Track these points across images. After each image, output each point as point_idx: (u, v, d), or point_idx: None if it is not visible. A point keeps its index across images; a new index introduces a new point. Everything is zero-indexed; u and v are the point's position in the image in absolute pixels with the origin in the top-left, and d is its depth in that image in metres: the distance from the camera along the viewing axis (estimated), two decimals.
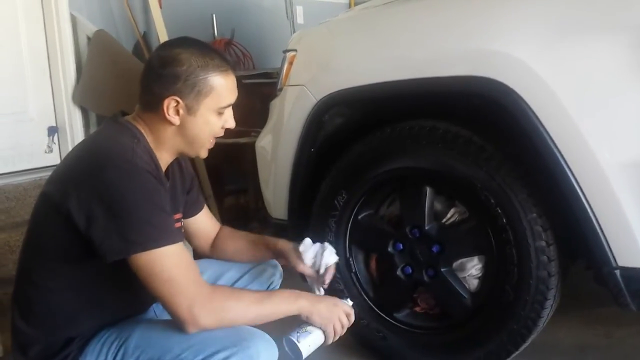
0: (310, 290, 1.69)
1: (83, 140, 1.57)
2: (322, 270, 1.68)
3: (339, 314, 1.53)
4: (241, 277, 1.77)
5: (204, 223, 1.79)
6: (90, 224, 1.32)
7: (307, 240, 1.73)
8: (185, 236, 1.78)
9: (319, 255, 1.69)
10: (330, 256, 1.70)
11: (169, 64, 1.42)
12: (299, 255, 1.70)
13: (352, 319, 1.58)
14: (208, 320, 1.34)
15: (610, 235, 1.58)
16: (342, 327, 1.55)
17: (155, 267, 1.33)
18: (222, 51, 1.52)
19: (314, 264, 1.69)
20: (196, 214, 1.76)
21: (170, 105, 1.43)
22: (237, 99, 1.51)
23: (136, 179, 1.35)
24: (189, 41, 1.49)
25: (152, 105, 1.45)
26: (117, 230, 1.31)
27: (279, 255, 1.77)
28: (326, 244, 1.74)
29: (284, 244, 1.76)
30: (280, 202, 2.21)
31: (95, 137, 1.55)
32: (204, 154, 1.55)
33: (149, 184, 1.37)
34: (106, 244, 1.32)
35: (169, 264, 1.34)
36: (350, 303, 1.60)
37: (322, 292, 1.69)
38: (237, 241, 1.81)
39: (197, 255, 1.87)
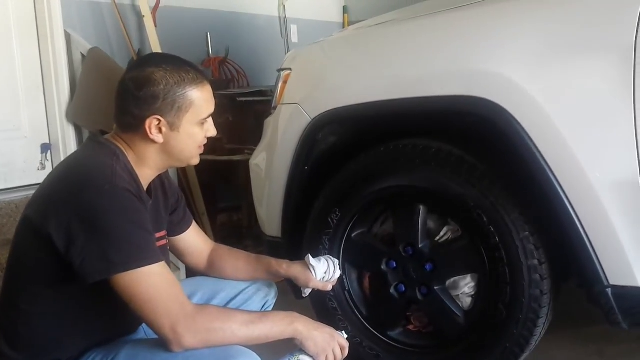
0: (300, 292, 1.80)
1: (62, 162, 1.55)
2: (330, 286, 1.79)
3: (334, 345, 1.51)
4: (236, 296, 1.74)
5: (194, 240, 1.77)
6: (70, 246, 1.31)
7: (310, 257, 1.74)
8: (176, 254, 1.78)
9: (330, 270, 1.76)
10: (338, 270, 1.78)
11: (144, 85, 1.40)
12: (308, 272, 1.72)
13: (346, 353, 1.55)
14: (192, 341, 1.33)
15: (602, 253, 1.59)
16: (335, 359, 1.52)
17: (137, 287, 1.31)
18: (193, 63, 1.51)
19: (323, 278, 1.75)
20: (184, 231, 1.74)
21: (152, 125, 1.42)
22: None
23: (116, 198, 1.33)
24: (159, 58, 1.48)
25: (132, 127, 1.44)
26: (97, 251, 1.30)
27: (280, 275, 1.76)
28: (332, 258, 1.78)
29: (289, 265, 1.75)
30: (273, 219, 2.21)
31: (74, 158, 1.53)
32: (195, 162, 1.54)
33: (129, 203, 1.35)
34: (86, 265, 1.30)
35: (151, 284, 1.32)
36: (346, 336, 1.58)
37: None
38: (236, 259, 1.79)
39: (191, 273, 1.86)
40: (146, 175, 1.50)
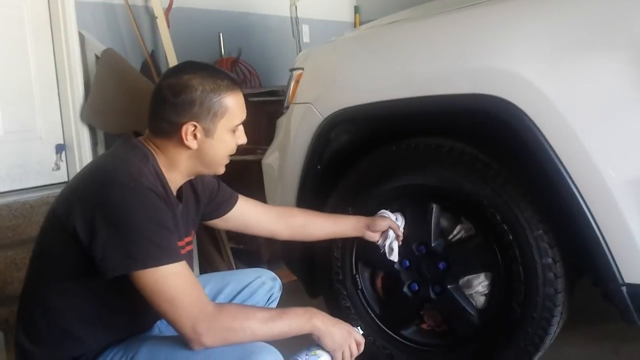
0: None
1: (93, 159, 1.59)
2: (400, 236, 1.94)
3: (351, 341, 1.53)
4: (241, 290, 1.78)
5: (248, 208, 1.83)
6: (92, 240, 1.33)
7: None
8: (243, 229, 1.86)
9: (387, 248, 1.93)
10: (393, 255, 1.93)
11: (182, 91, 1.43)
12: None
13: (362, 348, 1.57)
14: (212, 340, 1.35)
15: (616, 251, 1.58)
16: (352, 355, 1.54)
17: (157, 286, 1.33)
18: (227, 71, 1.53)
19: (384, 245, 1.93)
20: (233, 204, 1.79)
21: (188, 131, 1.44)
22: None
23: (139, 196, 1.36)
24: (194, 65, 1.50)
25: (167, 133, 1.46)
26: (118, 247, 1.32)
27: (363, 227, 1.91)
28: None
29: (369, 217, 1.93)
30: None
31: (105, 156, 1.57)
32: (221, 170, 1.57)
33: (152, 202, 1.37)
34: (107, 260, 1.32)
35: (171, 283, 1.34)
36: (361, 332, 1.59)
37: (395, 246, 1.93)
38: (314, 216, 1.92)
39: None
40: (175, 180, 1.52)
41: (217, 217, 1.78)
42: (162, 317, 1.38)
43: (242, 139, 1.55)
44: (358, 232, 1.92)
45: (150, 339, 1.51)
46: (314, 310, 1.50)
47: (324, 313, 1.52)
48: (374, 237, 1.93)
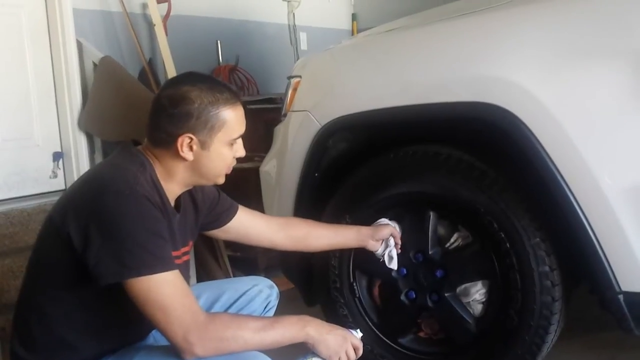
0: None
1: (92, 167, 1.58)
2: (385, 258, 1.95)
3: (347, 347, 1.52)
4: (238, 299, 1.77)
5: (248, 219, 1.82)
6: (86, 247, 1.33)
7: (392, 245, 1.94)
8: (243, 240, 1.85)
9: (387, 256, 1.94)
10: (392, 264, 1.94)
11: (179, 103, 1.43)
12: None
13: (360, 352, 1.56)
14: (204, 350, 1.34)
15: (613, 260, 1.58)
16: None
17: (150, 294, 1.33)
18: (228, 83, 1.53)
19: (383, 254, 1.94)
20: (234, 214, 1.79)
21: (184, 143, 1.44)
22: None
23: (134, 204, 1.35)
24: (195, 77, 1.49)
25: (164, 143, 1.46)
26: (111, 254, 1.32)
27: (365, 235, 1.91)
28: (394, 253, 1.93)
29: (370, 227, 1.92)
30: None
31: (103, 164, 1.58)
32: (220, 181, 1.57)
33: (146, 211, 1.37)
34: (100, 267, 1.32)
35: (164, 292, 1.33)
36: (360, 335, 1.58)
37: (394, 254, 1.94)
38: (314, 227, 1.90)
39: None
40: (173, 190, 1.52)
41: (217, 228, 1.78)
42: (154, 326, 1.37)
43: (240, 152, 1.54)
44: (361, 242, 1.91)
45: (144, 349, 1.51)
46: (307, 318, 1.50)
47: (318, 320, 1.51)
48: (376, 246, 1.92)
